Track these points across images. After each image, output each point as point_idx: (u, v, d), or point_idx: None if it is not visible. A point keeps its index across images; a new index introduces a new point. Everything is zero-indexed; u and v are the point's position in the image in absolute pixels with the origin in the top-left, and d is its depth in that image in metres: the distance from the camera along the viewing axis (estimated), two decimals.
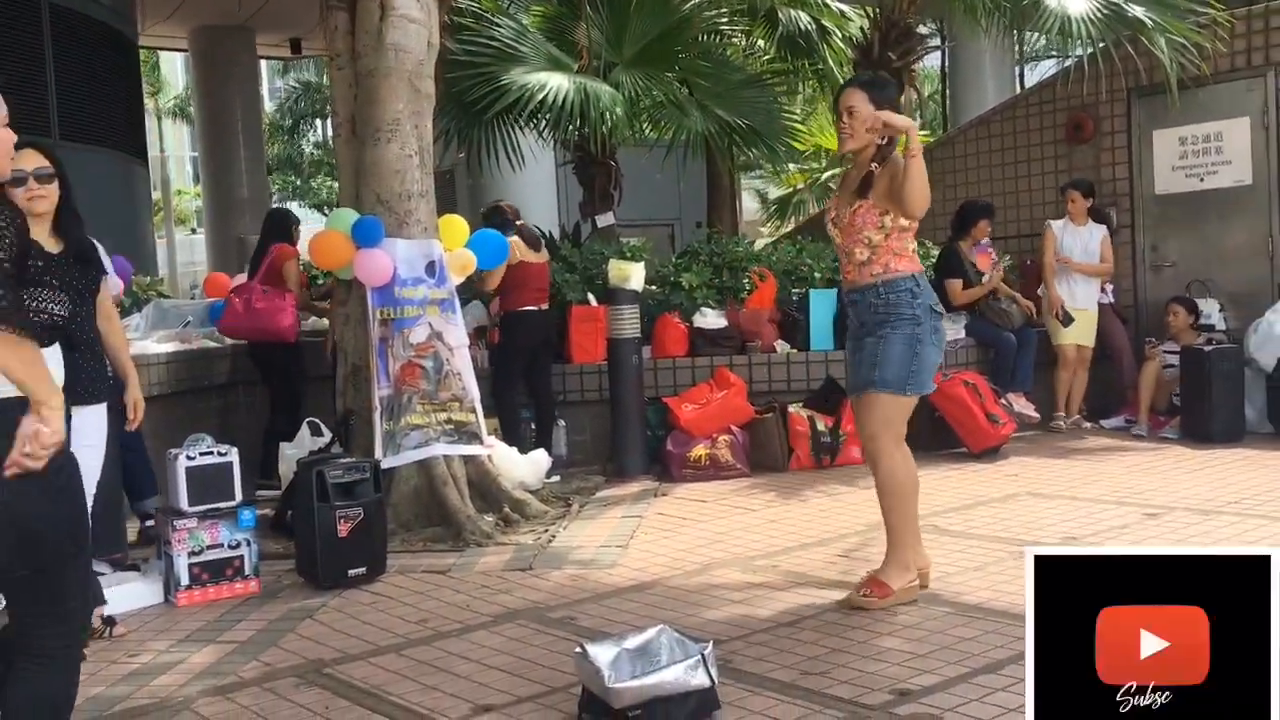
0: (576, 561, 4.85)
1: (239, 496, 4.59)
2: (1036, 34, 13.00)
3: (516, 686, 3.42)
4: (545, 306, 6.84)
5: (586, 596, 4.35)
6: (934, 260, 7.69)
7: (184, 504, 4.46)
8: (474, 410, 5.80)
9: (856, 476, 6.41)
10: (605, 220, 8.60)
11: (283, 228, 6.97)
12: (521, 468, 6.09)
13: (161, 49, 25.01)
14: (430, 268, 5.73)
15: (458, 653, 3.75)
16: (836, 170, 14.09)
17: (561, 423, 7.07)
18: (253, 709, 3.33)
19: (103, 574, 4.48)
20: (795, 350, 7.13)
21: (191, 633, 4.10)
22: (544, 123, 8.05)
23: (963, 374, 7.08)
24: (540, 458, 6.23)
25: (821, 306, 7.14)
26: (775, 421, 6.74)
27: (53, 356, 2.38)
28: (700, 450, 6.57)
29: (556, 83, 7.38)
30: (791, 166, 13.01)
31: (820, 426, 6.72)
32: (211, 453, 4.54)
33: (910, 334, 3.91)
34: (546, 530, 5.41)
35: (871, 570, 4.09)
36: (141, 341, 6.26)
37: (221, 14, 17.91)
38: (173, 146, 40.65)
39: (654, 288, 7.42)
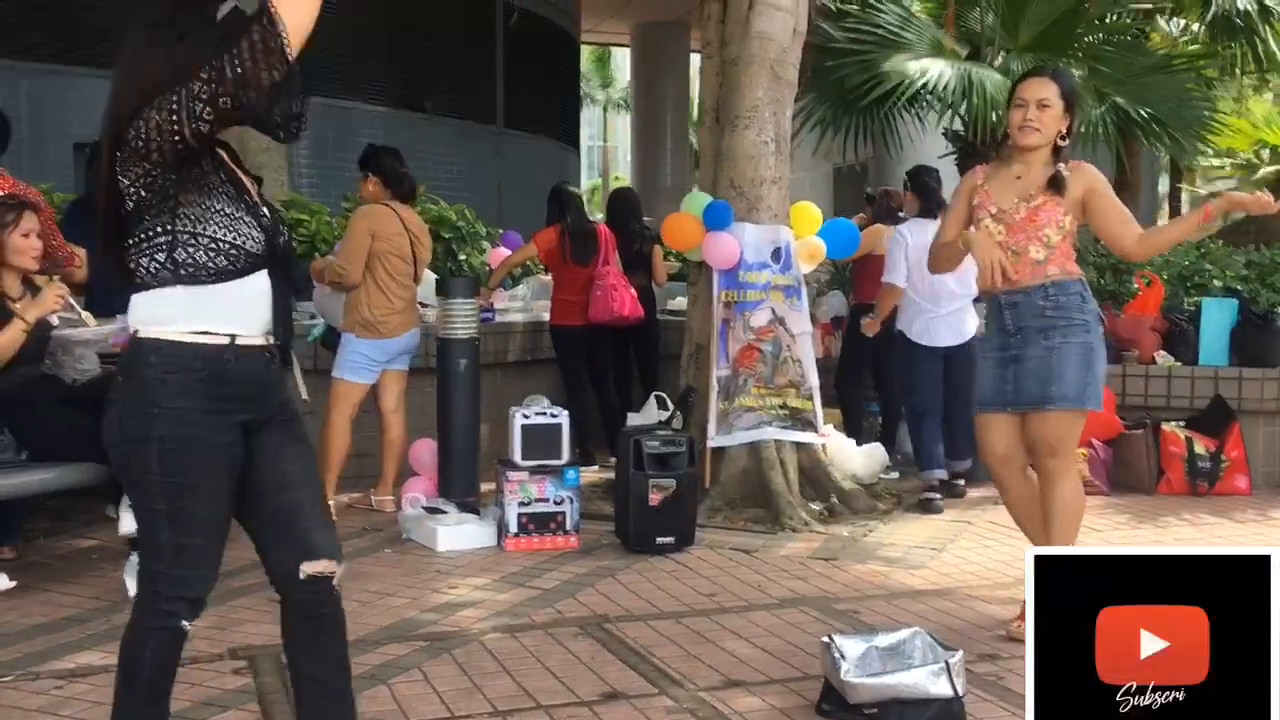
0: (883, 558, 4.74)
1: (566, 456, 4.93)
2: None
3: (772, 668, 3.43)
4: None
5: (880, 594, 4.26)
6: None
7: (518, 457, 4.86)
8: (811, 398, 5.80)
9: (1233, 508, 5.76)
10: None
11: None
12: (855, 460, 6.02)
13: (605, 44, 26.89)
14: (776, 254, 5.79)
15: (732, 628, 3.81)
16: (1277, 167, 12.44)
17: None
18: (530, 648, 3.60)
19: (445, 512, 5.01)
20: (1179, 363, 6.45)
21: (507, 575, 4.48)
22: (929, 111, 7.84)
23: None
24: (875, 451, 6.12)
25: (1217, 316, 6.39)
26: (1145, 439, 6.15)
27: None
28: None
29: (938, 70, 7.16)
30: (1224, 161, 11.67)
31: (1199, 449, 6.05)
32: (545, 414, 4.91)
33: (1084, 343, 3.65)
34: (866, 524, 5.32)
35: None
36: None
37: (662, 10, 18.96)
38: (620, 137, 43.67)
39: None
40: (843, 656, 3.03)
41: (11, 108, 9.45)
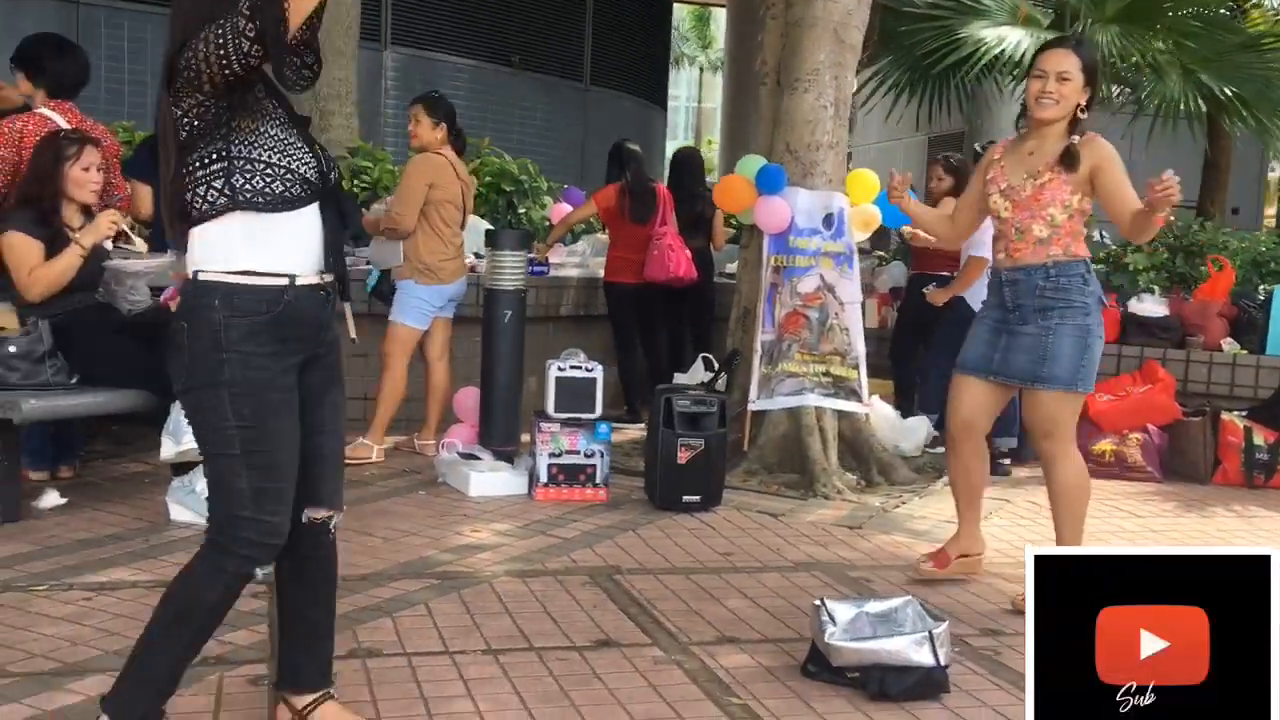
0: (909, 530, 4.72)
1: (599, 410, 4.99)
2: None
3: (769, 627, 3.46)
4: (957, 274, 6.56)
5: (897, 564, 4.25)
6: None
7: (551, 409, 4.94)
8: (856, 367, 5.76)
9: None
10: None
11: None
12: (899, 431, 5.98)
13: (703, 4, 26.75)
14: (829, 220, 5.75)
15: (739, 587, 3.85)
16: None
17: None
18: (536, 592, 3.68)
19: (480, 459, 5.12)
20: (1245, 351, 6.25)
21: (530, 523, 4.56)
22: (1007, 80, 7.66)
23: None
24: (919, 425, 6.07)
25: None
26: (1203, 427, 5.99)
27: None
28: (1106, 445, 6.01)
29: (1015, 38, 7.00)
30: None
31: (1258, 440, 5.88)
32: (580, 367, 4.97)
33: (1080, 325, 3.59)
34: (901, 496, 5.30)
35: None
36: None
37: None
38: (718, 99, 43.27)
39: (1098, 266, 6.85)
40: (831, 620, 3.06)
41: (114, 48, 9.79)
